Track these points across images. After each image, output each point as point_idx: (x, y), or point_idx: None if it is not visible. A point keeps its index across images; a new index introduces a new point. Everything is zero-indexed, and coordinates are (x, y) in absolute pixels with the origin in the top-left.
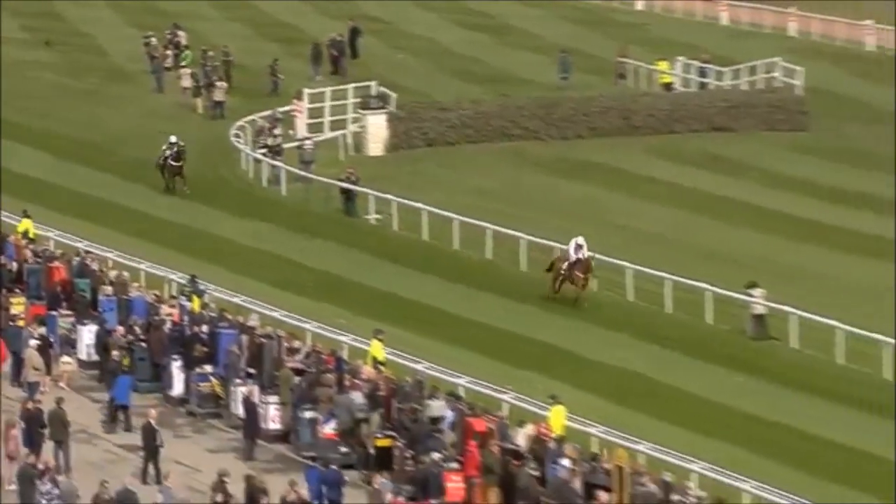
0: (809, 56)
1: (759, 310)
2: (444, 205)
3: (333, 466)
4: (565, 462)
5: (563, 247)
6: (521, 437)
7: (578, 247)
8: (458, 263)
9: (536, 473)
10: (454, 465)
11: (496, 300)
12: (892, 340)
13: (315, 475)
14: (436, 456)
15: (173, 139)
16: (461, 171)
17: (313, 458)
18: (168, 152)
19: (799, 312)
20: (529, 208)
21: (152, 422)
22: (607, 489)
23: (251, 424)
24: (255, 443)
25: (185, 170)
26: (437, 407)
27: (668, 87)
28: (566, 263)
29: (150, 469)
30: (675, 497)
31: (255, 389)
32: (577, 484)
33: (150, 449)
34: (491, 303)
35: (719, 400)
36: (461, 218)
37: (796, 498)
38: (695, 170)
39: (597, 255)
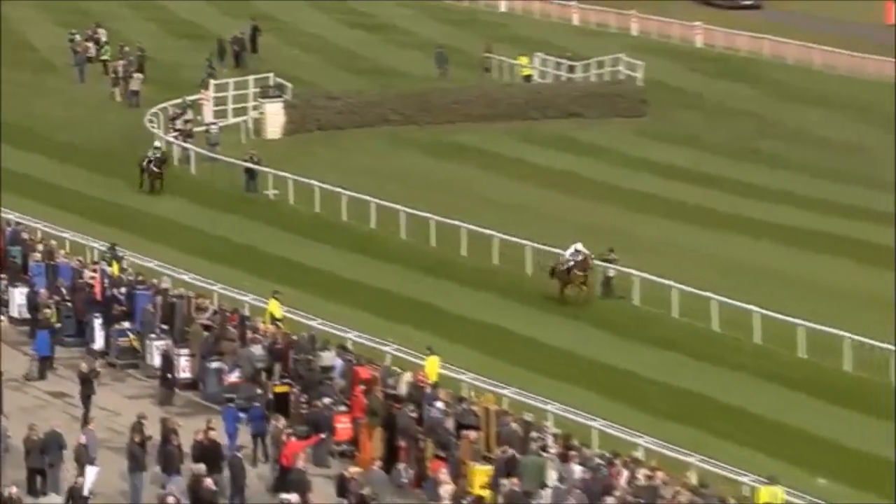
0: (648, 52)
1: (611, 272)
2: (333, 181)
3: (256, 404)
4: (439, 405)
5: (562, 252)
6: (402, 384)
7: (577, 252)
8: (346, 233)
9: (414, 415)
10: (343, 408)
11: (379, 264)
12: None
13: (232, 414)
14: (327, 400)
15: (157, 144)
16: (348, 152)
17: (230, 400)
18: (151, 157)
19: (642, 275)
20: (407, 185)
21: (88, 372)
22: (476, 428)
23: (165, 374)
24: (171, 391)
25: (165, 174)
26: (328, 358)
27: (527, 78)
28: (565, 267)
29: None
30: (533, 434)
31: (170, 343)
32: (450, 423)
33: (86, 396)
34: (374, 267)
35: (571, 349)
36: (349, 193)
37: (637, 433)
38: (551, 151)
39: (592, 256)
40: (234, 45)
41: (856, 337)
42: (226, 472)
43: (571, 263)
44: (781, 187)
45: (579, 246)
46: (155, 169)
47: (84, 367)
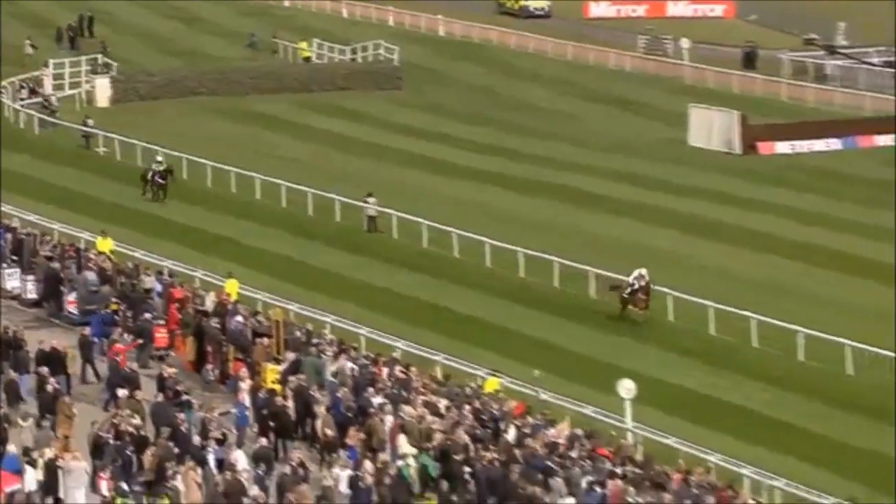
0: (402, 39)
1: (372, 212)
2: (151, 141)
3: (107, 311)
4: (239, 318)
5: (626, 278)
6: (208, 302)
7: (640, 276)
8: None
9: (219, 326)
10: (161, 321)
11: (186, 207)
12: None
13: (97, 319)
14: (148, 315)
15: (160, 159)
16: (163, 118)
17: (92, 311)
18: (155, 169)
19: (400, 214)
20: (211, 144)
21: None
22: (268, 335)
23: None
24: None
25: (168, 185)
26: (149, 281)
27: (306, 59)
28: (629, 289)
29: None
30: (315, 340)
31: (18, 272)
32: (248, 332)
33: None
34: (182, 209)
35: (341, 272)
36: (164, 150)
37: (396, 337)
38: (327, 117)
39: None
40: (70, 31)
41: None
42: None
43: (636, 287)
44: (509, 146)
45: (643, 271)
46: (160, 180)
47: None
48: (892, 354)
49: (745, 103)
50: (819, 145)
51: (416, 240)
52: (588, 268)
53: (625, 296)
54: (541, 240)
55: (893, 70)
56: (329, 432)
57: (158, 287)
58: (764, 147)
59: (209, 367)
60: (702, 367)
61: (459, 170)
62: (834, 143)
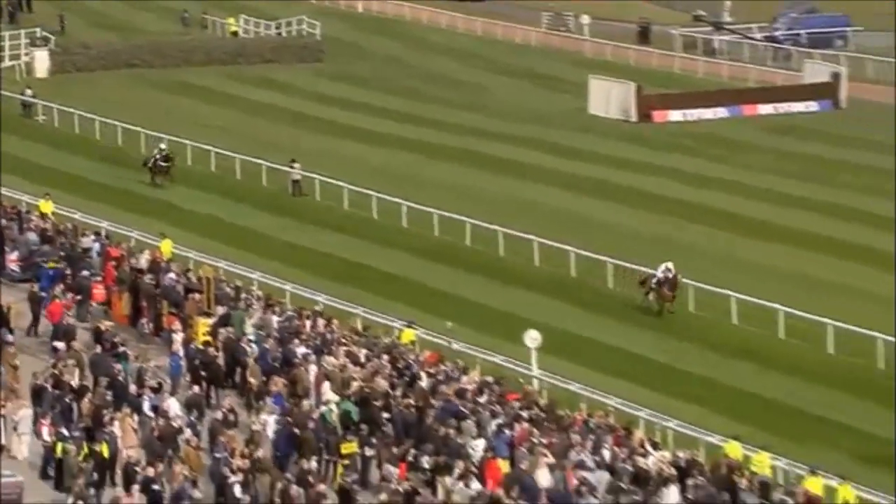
0: (324, 15)
1: (296, 177)
2: (89, 110)
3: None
4: (172, 275)
5: (650, 270)
6: (143, 260)
7: (668, 269)
8: (99, 148)
9: (153, 283)
10: (98, 278)
11: (122, 171)
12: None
13: (46, 273)
14: (86, 273)
15: (163, 146)
16: (99, 88)
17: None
18: (158, 155)
19: (323, 178)
20: (146, 112)
21: None
22: (200, 291)
23: None
24: None
25: (172, 170)
26: (87, 241)
27: (234, 34)
28: (655, 280)
29: None
30: (243, 295)
31: None
32: (181, 289)
33: None
34: (118, 174)
35: (267, 232)
36: (101, 119)
37: (316, 291)
38: (254, 88)
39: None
40: (9, 7)
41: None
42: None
43: (662, 279)
44: (423, 115)
45: (669, 265)
46: (162, 164)
47: None
48: (777, 306)
49: (640, 75)
50: (708, 114)
51: (338, 202)
52: (497, 227)
53: (652, 287)
54: (453, 202)
55: (774, 44)
56: (255, 381)
57: (96, 247)
58: (658, 115)
59: (144, 320)
60: (601, 318)
61: (377, 137)
62: (721, 112)
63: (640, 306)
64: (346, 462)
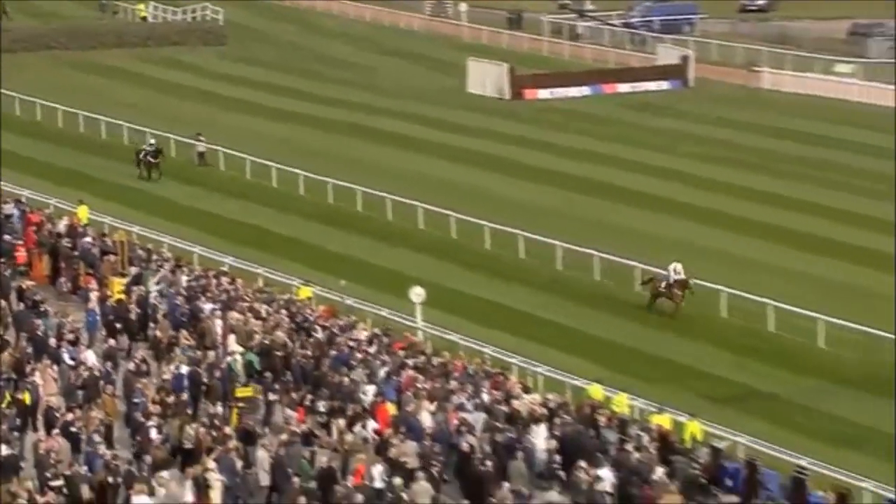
0: (225, 2)
1: (201, 149)
2: (8, 89)
3: None
4: (88, 239)
5: (662, 271)
6: (61, 225)
7: (676, 272)
8: (21, 123)
9: (70, 246)
10: (20, 242)
11: (41, 145)
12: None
13: None
14: (8, 237)
15: (153, 141)
16: (22, 69)
17: None
18: (147, 149)
19: (226, 150)
20: (63, 93)
21: None
22: (114, 254)
23: None
24: None
25: (161, 165)
26: (8, 208)
27: (144, 19)
28: (664, 283)
29: None
30: (155, 258)
31: None
32: (96, 250)
33: None
34: (38, 147)
35: (176, 200)
36: (20, 96)
37: (221, 254)
38: (162, 69)
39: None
40: None
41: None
42: None
43: (672, 281)
44: (317, 93)
45: (678, 266)
46: (151, 160)
47: None
48: (602, 255)
49: (513, 57)
50: (573, 92)
51: (241, 172)
52: (385, 194)
53: (660, 290)
54: (345, 172)
55: (630, 30)
56: (165, 334)
57: (17, 213)
58: (529, 93)
59: (62, 280)
60: (479, 276)
61: (276, 112)
62: (585, 90)
63: (512, 264)
64: (242, 405)
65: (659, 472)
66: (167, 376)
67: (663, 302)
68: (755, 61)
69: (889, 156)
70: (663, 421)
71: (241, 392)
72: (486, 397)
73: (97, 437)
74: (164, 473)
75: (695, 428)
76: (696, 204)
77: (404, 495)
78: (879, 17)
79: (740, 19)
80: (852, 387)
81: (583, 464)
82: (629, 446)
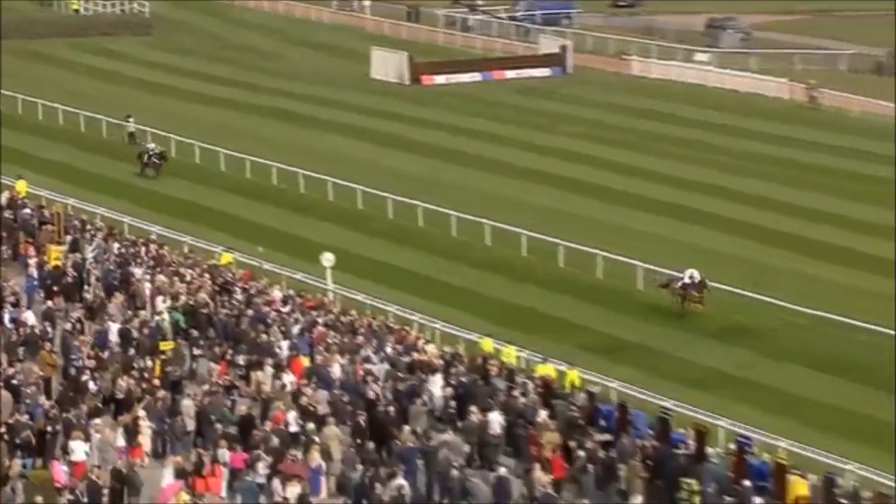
0: None
1: (131, 129)
2: None
3: None
4: (27, 210)
5: (677, 273)
6: (2, 198)
7: (692, 275)
8: None
9: (11, 217)
10: None
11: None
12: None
13: None
14: None
15: (152, 145)
16: None
17: None
18: (152, 152)
19: (153, 130)
20: (4, 78)
21: None
22: (51, 224)
23: None
24: None
25: (162, 165)
26: None
27: (76, 11)
28: (681, 283)
29: None
30: (89, 227)
31: None
32: (35, 222)
33: None
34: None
35: (108, 175)
36: None
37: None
38: (93, 56)
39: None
40: None
41: None
42: None
43: (689, 283)
44: (235, 78)
45: (695, 272)
46: (156, 161)
47: None
48: (492, 223)
49: (411, 47)
50: (465, 78)
51: (167, 151)
52: (298, 170)
53: (679, 292)
54: (262, 149)
55: (515, 23)
56: (94, 296)
57: None
58: (426, 79)
59: (4, 248)
60: (383, 242)
61: (198, 96)
62: (476, 76)
63: (412, 232)
64: (164, 357)
65: (542, 414)
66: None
67: (678, 302)
68: (625, 51)
69: (739, 134)
70: (547, 370)
71: (164, 346)
72: (389, 350)
73: (36, 390)
74: (98, 421)
75: (573, 375)
76: (572, 176)
77: (316, 438)
78: (732, 12)
79: (612, 13)
80: (710, 336)
81: (475, 408)
82: (516, 392)
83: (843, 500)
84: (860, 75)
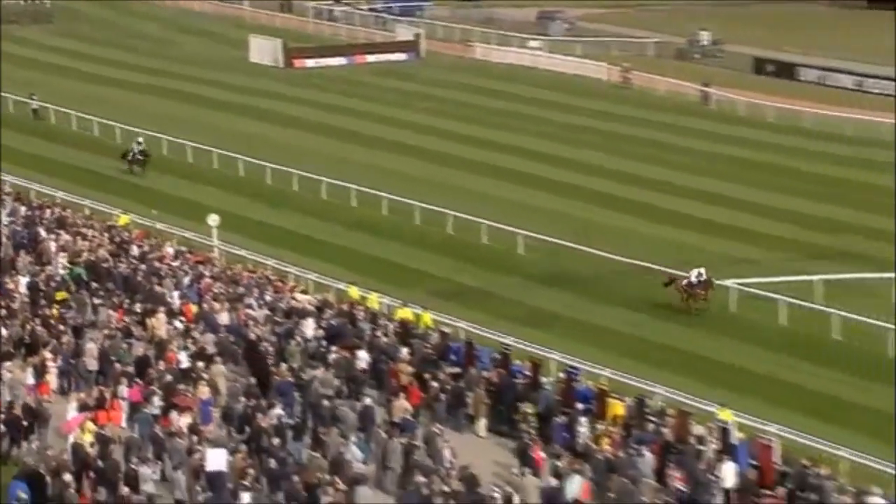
0: None
1: (35, 106)
2: None
3: None
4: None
5: (683, 273)
6: None
7: (699, 274)
8: None
9: None
10: None
11: None
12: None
13: None
14: None
15: (140, 140)
16: None
17: None
18: (136, 149)
19: (56, 108)
20: None
21: None
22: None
23: None
24: None
25: (147, 163)
26: None
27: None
28: (686, 282)
29: None
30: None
31: None
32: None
33: None
34: None
35: (16, 147)
36: None
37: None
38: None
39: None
40: None
41: None
42: None
43: (696, 282)
44: (131, 62)
45: (702, 271)
46: (140, 158)
47: None
48: (357, 188)
49: (285, 34)
50: (333, 62)
51: (68, 125)
52: (186, 142)
53: (685, 290)
54: (152, 124)
55: (375, 13)
56: (8, 254)
57: None
58: (298, 63)
59: None
60: (263, 206)
61: (95, 77)
62: (341, 61)
63: (288, 196)
64: (60, 304)
65: (402, 351)
66: (10, 286)
67: (684, 300)
68: (469, 38)
69: (566, 109)
70: (405, 313)
71: (59, 296)
72: (268, 298)
73: None
74: (8, 363)
75: (427, 318)
76: (424, 147)
77: (204, 375)
78: (560, 5)
79: (458, 6)
80: (543, 283)
81: (343, 347)
82: (379, 333)
83: (651, 417)
84: (665, 60)
